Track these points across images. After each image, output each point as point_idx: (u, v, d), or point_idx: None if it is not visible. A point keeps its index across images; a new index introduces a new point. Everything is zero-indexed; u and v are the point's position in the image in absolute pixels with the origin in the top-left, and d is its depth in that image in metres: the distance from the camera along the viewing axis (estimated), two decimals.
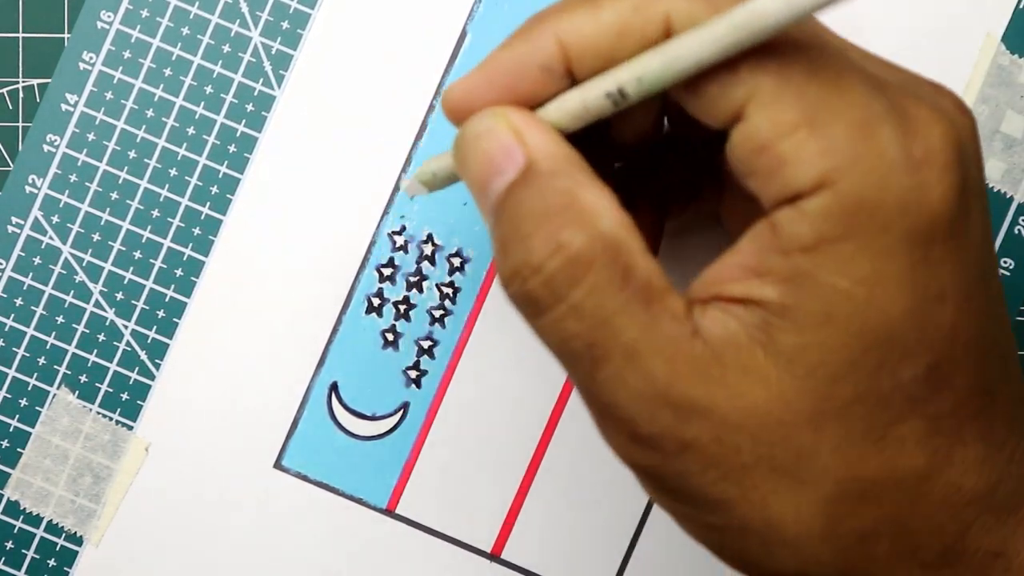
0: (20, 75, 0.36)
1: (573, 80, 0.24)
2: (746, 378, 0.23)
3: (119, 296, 0.36)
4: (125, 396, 0.36)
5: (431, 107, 0.36)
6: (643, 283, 0.23)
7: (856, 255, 0.22)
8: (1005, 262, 0.36)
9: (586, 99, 0.23)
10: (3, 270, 0.36)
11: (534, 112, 0.24)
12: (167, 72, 0.36)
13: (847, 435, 0.23)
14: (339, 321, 0.36)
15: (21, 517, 0.36)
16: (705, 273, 0.24)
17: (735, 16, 0.22)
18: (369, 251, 0.36)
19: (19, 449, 0.36)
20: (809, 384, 0.23)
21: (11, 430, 0.36)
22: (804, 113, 0.22)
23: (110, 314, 0.36)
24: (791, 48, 0.22)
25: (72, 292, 0.36)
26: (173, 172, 0.36)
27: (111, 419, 0.36)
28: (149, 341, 0.36)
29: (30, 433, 0.36)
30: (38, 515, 0.36)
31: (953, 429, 0.24)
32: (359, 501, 0.36)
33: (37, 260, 0.36)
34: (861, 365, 0.23)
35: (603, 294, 0.23)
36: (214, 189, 0.36)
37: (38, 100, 0.36)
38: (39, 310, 0.36)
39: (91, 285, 0.36)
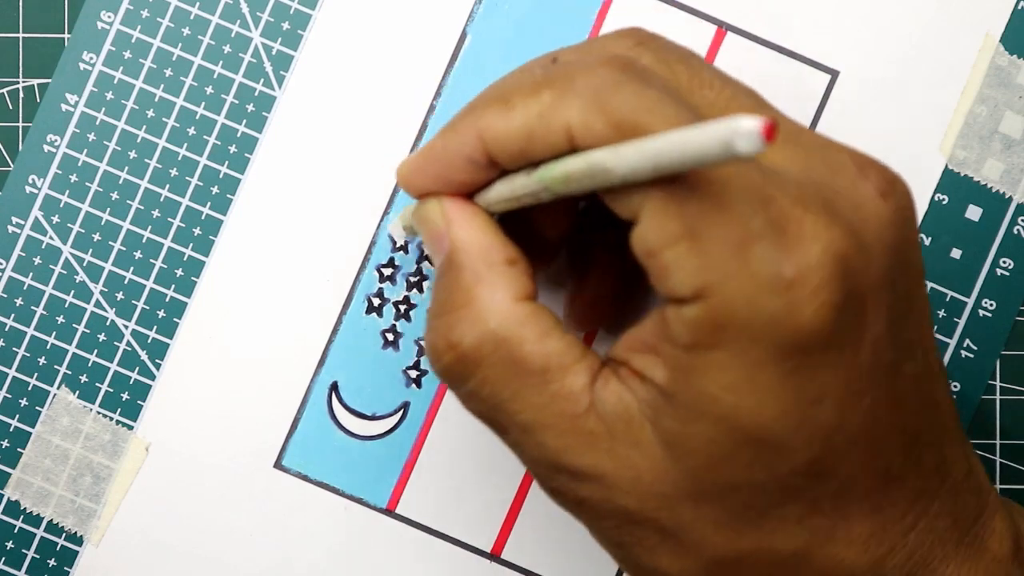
0: (20, 75, 0.36)
1: (501, 169, 0.26)
2: (634, 450, 0.25)
3: (119, 296, 0.36)
4: (125, 396, 0.36)
5: (431, 107, 0.36)
6: (538, 368, 0.25)
7: (727, 363, 0.23)
8: (1004, 262, 0.36)
9: (515, 191, 0.26)
10: (3, 270, 0.36)
11: (469, 198, 0.27)
12: (168, 72, 0.36)
13: (725, 514, 0.25)
14: (339, 321, 0.36)
15: (21, 517, 0.36)
16: (624, 336, 0.26)
17: (651, 148, 0.22)
18: (369, 251, 0.36)
19: (19, 449, 0.36)
20: (687, 465, 0.24)
21: (11, 430, 0.36)
22: (685, 226, 0.23)
23: (110, 314, 0.36)
24: None
25: (72, 292, 0.36)
26: (174, 172, 0.36)
27: (111, 419, 0.36)
28: (149, 341, 0.36)
29: (30, 433, 0.36)
30: (38, 515, 0.36)
31: (836, 509, 0.25)
32: (359, 501, 0.36)
33: (37, 260, 0.36)
34: (734, 459, 0.24)
35: (495, 384, 0.25)
36: (215, 189, 0.36)
37: (38, 100, 0.36)
38: (39, 310, 0.36)
39: (91, 285, 0.36)
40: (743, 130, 0.19)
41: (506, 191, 0.26)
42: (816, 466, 0.24)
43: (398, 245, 0.36)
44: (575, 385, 0.25)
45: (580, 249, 0.32)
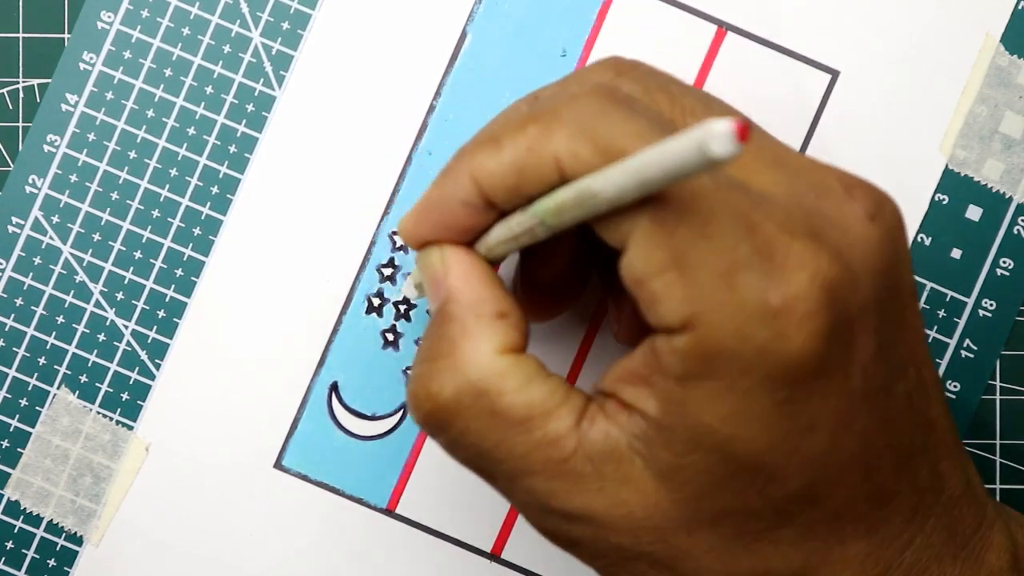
0: (20, 75, 0.36)
1: (499, 209, 0.26)
2: (624, 487, 0.25)
3: (119, 296, 0.36)
4: (125, 396, 0.36)
5: (431, 107, 0.36)
6: (520, 418, 0.25)
7: (720, 394, 0.23)
8: (1004, 262, 0.36)
9: (512, 230, 0.26)
10: (3, 270, 0.36)
11: (469, 245, 0.27)
12: (167, 72, 0.36)
13: (720, 540, 0.25)
14: (339, 321, 0.36)
15: (21, 517, 0.36)
16: (613, 367, 0.26)
17: (632, 165, 0.22)
18: (369, 251, 0.36)
19: (19, 449, 0.36)
20: (681, 496, 0.25)
21: (11, 430, 0.36)
22: (673, 255, 0.23)
23: (110, 314, 0.36)
24: (666, 190, 0.23)
25: (72, 292, 0.36)
26: (173, 172, 0.36)
27: (111, 419, 0.36)
28: (149, 341, 0.36)
29: (30, 433, 0.36)
30: (38, 515, 0.36)
31: (831, 532, 0.25)
32: (359, 501, 0.36)
33: (37, 260, 0.36)
34: (729, 487, 0.24)
35: (477, 434, 0.26)
36: (214, 189, 0.36)
37: (38, 100, 0.36)
38: (39, 310, 0.36)
39: (91, 285, 0.36)
40: (715, 132, 0.19)
41: (504, 232, 0.26)
42: (810, 491, 0.25)
43: (398, 246, 0.36)
44: (560, 429, 0.25)
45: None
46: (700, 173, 0.21)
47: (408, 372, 0.36)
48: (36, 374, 0.36)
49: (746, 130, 0.19)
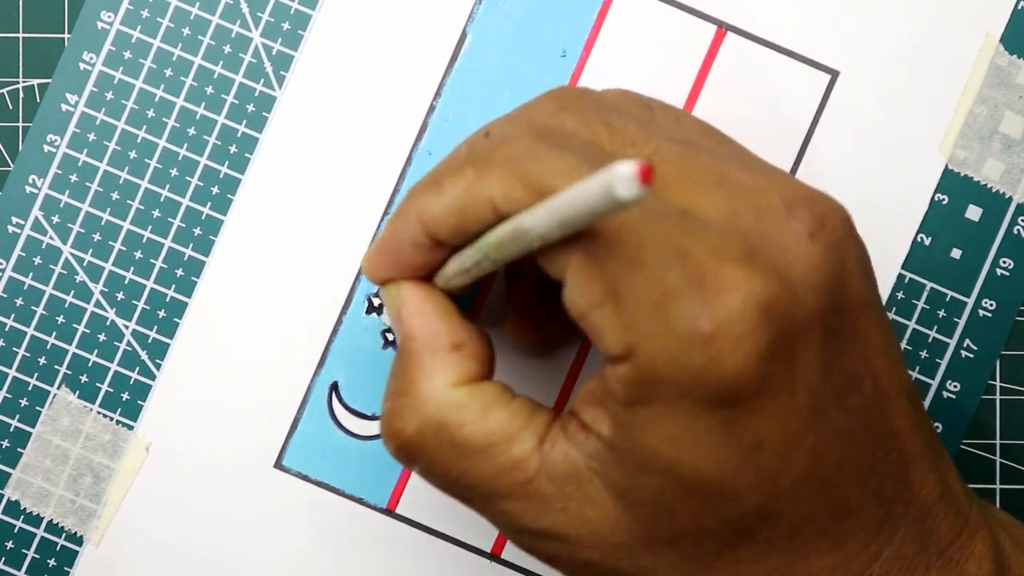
0: (20, 75, 0.36)
1: (448, 246, 0.27)
2: (586, 506, 0.26)
3: (120, 296, 0.36)
4: (125, 396, 0.36)
5: (431, 108, 0.36)
6: (481, 446, 0.26)
7: (661, 417, 0.24)
8: (1004, 262, 0.36)
9: (463, 263, 0.27)
10: (3, 270, 0.36)
11: (427, 280, 0.28)
12: (168, 72, 0.36)
13: (681, 559, 0.25)
14: (339, 321, 0.36)
15: (21, 517, 0.36)
16: (580, 387, 0.26)
17: (554, 204, 0.23)
18: None
19: (19, 449, 0.36)
20: (637, 515, 0.25)
21: (11, 430, 0.36)
22: (606, 288, 0.24)
23: (110, 314, 0.36)
24: (599, 224, 0.23)
25: (72, 292, 0.36)
26: (174, 172, 0.36)
27: (111, 419, 0.36)
28: (149, 341, 0.36)
29: (30, 433, 0.36)
30: (38, 515, 0.36)
31: (792, 548, 0.25)
32: (359, 501, 0.36)
33: (37, 260, 0.36)
34: (682, 508, 0.25)
35: (443, 465, 0.27)
36: (215, 189, 0.36)
37: (38, 100, 0.36)
38: (39, 310, 0.36)
39: (92, 285, 0.36)
40: (619, 175, 0.20)
41: (457, 265, 0.27)
42: (765, 509, 0.25)
43: None
44: (522, 452, 0.26)
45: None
46: (610, 213, 0.21)
47: None
48: (36, 374, 0.36)
49: (649, 172, 0.20)
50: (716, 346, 0.23)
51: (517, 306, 0.33)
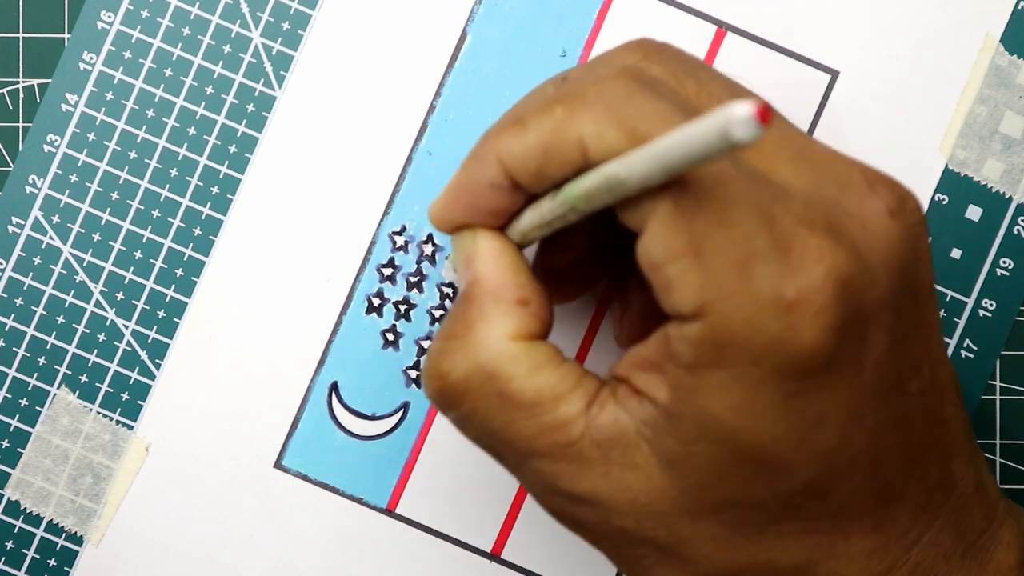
0: (20, 75, 0.36)
1: (526, 191, 0.26)
2: (630, 472, 0.25)
3: (119, 296, 0.36)
4: (125, 396, 0.36)
5: (431, 107, 0.36)
6: (528, 402, 0.26)
7: (728, 383, 0.23)
8: (1004, 262, 0.36)
9: (543, 216, 0.26)
10: (3, 270, 0.36)
11: (500, 229, 0.27)
12: (168, 72, 0.36)
13: (723, 530, 0.25)
14: (339, 321, 0.36)
15: (21, 517, 0.36)
16: (629, 352, 0.26)
17: (657, 149, 0.22)
18: (369, 251, 0.36)
19: (19, 449, 0.36)
20: (686, 484, 0.25)
21: (11, 430, 0.36)
22: (690, 242, 0.23)
23: (110, 314, 0.36)
24: (689, 176, 0.23)
25: (72, 292, 0.36)
26: (174, 172, 0.36)
27: (111, 419, 0.36)
28: (149, 341, 0.36)
29: (30, 433, 0.36)
30: (38, 515, 0.36)
31: (836, 527, 0.25)
32: (359, 501, 0.36)
33: (37, 260, 0.36)
34: (734, 477, 0.24)
35: (484, 415, 0.26)
36: (215, 189, 0.36)
37: (38, 100, 0.36)
38: (39, 310, 0.36)
39: (91, 285, 0.36)
40: (737, 115, 0.19)
41: (536, 218, 0.26)
42: (816, 486, 0.24)
43: (398, 246, 0.36)
44: (568, 414, 0.25)
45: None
46: (722, 156, 0.21)
47: (408, 372, 0.36)
48: (36, 374, 0.36)
49: (767, 113, 0.19)
50: (795, 315, 0.22)
51: (546, 270, 0.32)
